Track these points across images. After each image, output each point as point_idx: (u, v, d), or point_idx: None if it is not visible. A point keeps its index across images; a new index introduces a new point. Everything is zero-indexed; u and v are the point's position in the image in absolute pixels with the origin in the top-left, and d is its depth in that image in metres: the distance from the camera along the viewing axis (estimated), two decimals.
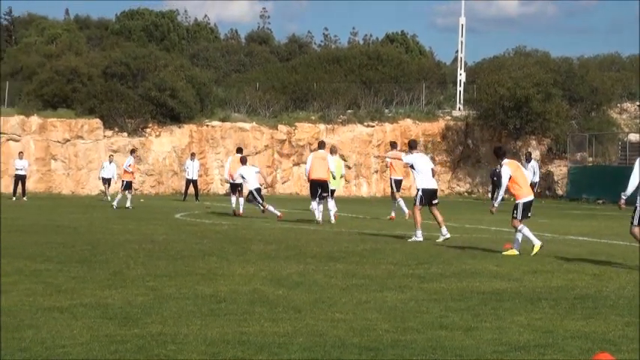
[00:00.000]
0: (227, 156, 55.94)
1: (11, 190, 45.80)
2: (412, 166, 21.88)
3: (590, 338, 9.43)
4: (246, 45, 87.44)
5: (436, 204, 21.73)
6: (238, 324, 9.93)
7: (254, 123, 57.55)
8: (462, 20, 63.52)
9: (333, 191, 29.18)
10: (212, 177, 55.97)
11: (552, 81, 58.43)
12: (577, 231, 25.78)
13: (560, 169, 59.19)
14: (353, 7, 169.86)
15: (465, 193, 59.49)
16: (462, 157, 60.26)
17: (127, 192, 36.63)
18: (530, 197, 19.00)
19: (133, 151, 40.72)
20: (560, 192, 58.05)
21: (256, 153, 55.80)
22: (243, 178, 31.01)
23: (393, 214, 30.21)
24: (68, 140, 53.65)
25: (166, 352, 8.51)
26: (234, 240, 20.63)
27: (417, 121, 60.30)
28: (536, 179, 37.77)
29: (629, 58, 76.11)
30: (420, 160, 22.02)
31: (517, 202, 18.75)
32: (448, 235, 21.20)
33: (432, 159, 36.37)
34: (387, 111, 60.99)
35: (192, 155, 47.64)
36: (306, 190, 57.41)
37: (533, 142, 59.69)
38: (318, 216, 27.63)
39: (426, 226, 22.64)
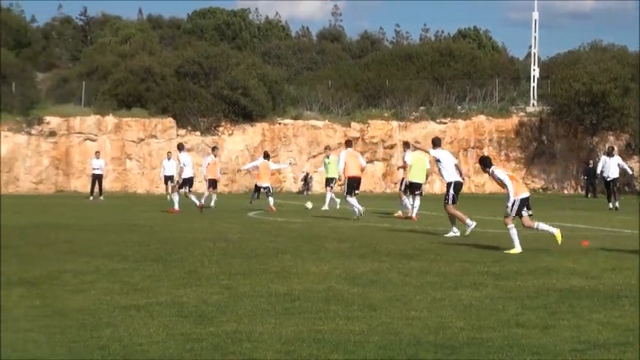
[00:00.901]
0: (300, 154, 56.31)
1: (88, 189, 46.36)
2: (438, 160, 22.45)
3: None
4: (317, 42, 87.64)
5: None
6: (313, 322, 9.90)
7: (326, 121, 57.63)
8: (535, 15, 62.97)
9: (419, 185, 29.21)
10: (284, 175, 56.14)
11: (630, 76, 57.68)
12: None
13: (639, 165, 58.34)
14: (424, 4, 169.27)
15: (540, 190, 58.91)
16: (536, 153, 59.72)
17: (211, 190, 36.33)
18: (527, 194, 18.75)
19: (214, 149, 40.30)
20: (639, 188, 57.27)
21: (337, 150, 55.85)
22: (184, 165, 32.98)
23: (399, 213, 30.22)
24: (142, 139, 54.26)
25: (242, 350, 8.52)
26: (308, 238, 20.62)
27: (490, 118, 59.93)
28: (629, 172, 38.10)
29: None
30: (446, 155, 22.71)
31: (514, 198, 18.40)
32: (458, 233, 21.60)
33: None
34: (459, 107, 60.70)
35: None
36: (379, 188, 57.48)
37: (611, 138, 58.93)
38: (358, 210, 28.11)
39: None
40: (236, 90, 55.07)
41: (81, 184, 51.57)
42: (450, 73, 64.54)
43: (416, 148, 29.33)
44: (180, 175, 33.69)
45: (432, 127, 58.72)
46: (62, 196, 48.24)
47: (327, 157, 36.41)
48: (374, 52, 78.64)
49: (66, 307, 10.81)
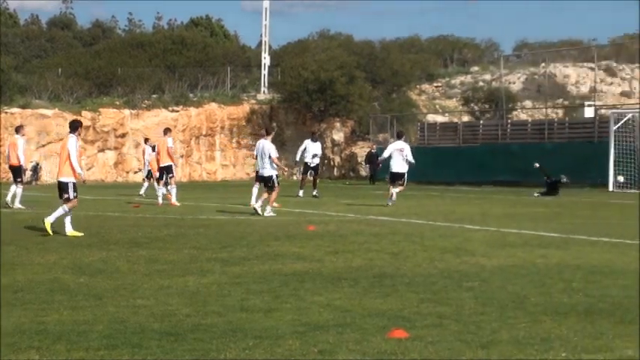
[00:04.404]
0: (28, 144, 54.81)
1: None
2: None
3: (387, 316, 9.67)
4: (47, 30, 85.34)
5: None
6: (36, 313, 9.74)
7: (56, 109, 56.41)
8: (266, 4, 63.80)
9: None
10: None
11: (356, 64, 59.43)
12: (378, 211, 26.34)
13: (364, 151, 60.11)
14: None
15: None
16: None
17: None
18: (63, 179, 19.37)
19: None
20: (364, 173, 58.97)
21: (60, 140, 54.66)
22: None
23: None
24: None
25: None
26: (32, 228, 20.13)
27: (222, 105, 60.45)
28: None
29: (427, 41, 78.22)
30: (391, 146, 27.15)
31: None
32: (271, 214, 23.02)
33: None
34: (191, 95, 60.87)
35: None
36: (112, 177, 56.74)
37: (337, 124, 60.60)
38: None
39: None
40: None
41: None
42: (183, 62, 64.55)
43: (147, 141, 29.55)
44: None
45: (164, 115, 58.59)
46: None
47: None
48: (106, 40, 77.50)
49: None
